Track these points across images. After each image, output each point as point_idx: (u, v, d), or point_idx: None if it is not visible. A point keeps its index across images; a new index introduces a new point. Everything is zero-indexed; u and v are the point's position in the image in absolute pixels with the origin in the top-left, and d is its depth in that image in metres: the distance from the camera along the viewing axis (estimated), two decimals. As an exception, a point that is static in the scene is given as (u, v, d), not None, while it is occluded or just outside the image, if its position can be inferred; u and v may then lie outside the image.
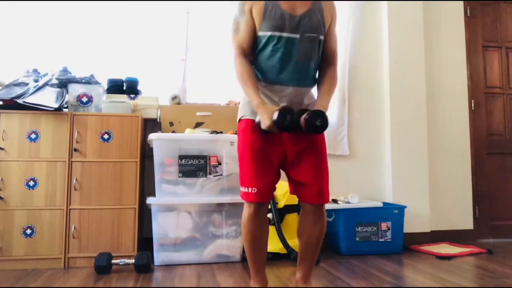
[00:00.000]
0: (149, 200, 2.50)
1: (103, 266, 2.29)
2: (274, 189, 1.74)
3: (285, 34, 1.63)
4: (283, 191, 2.64)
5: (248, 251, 1.76)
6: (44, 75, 2.74)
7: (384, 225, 2.82)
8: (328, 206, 2.77)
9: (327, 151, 1.77)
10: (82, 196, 2.49)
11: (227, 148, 2.61)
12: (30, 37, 2.97)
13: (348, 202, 2.90)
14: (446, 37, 3.49)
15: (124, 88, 2.89)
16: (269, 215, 2.58)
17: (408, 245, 2.99)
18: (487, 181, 3.45)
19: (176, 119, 2.77)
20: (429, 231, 3.18)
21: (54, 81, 2.68)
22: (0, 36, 2.94)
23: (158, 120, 2.82)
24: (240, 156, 1.72)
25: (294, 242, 2.54)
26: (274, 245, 2.60)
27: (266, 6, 1.65)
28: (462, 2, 3.54)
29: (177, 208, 2.54)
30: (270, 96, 1.69)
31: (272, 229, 2.49)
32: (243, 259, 2.56)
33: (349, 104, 3.26)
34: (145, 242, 2.72)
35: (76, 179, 2.49)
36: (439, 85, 3.43)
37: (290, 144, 1.69)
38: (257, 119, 1.61)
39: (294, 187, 1.75)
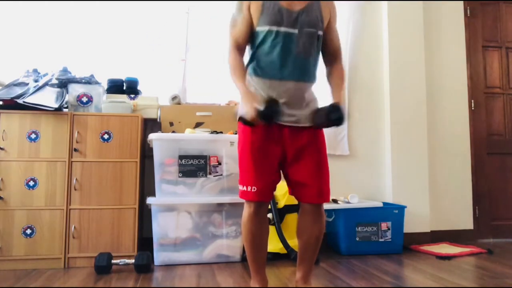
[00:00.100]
0: (149, 200, 2.50)
1: (103, 266, 2.29)
2: (274, 189, 1.74)
3: (283, 29, 1.65)
4: (283, 191, 2.64)
5: (248, 251, 1.76)
6: (44, 75, 2.74)
7: (384, 225, 2.82)
8: (328, 206, 2.79)
9: (327, 151, 1.78)
10: (82, 196, 2.49)
11: (227, 148, 2.61)
12: (30, 37, 2.97)
13: (348, 202, 2.90)
14: (446, 37, 3.49)
15: (124, 88, 2.89)
16: (269, 215, 2.58)
17: (408, 245, 2.99)
18: (487, 181, 3.45)
19: (176, 119, 2.77)
20: (429, 231, 3.18)
21: (54, 81, 2.68)
22: (0, 36, 2.94)
23: (158, 120, 2.82)
24: (240, 155, 1.72)
25: (294, 242, 2.54)
26: (274, 245, 2.60)
27: (264, 3, 1.67)
28: (462, 2, 3.54)
29: (177, 208, 2.54)
30: (269, 92, 1.69)
31: (272, 229, 2.49)
32: (243, 259, 2.56)
33: (349, 104, 3.26)
34: (145, 242, 2.72)
35: (76, 179, 2.49)
36: (439, 85, 3.43)
37: (290, 143, 1.69)
38: (240, 112, 1.62)
39: (293, 188, 1.74)
